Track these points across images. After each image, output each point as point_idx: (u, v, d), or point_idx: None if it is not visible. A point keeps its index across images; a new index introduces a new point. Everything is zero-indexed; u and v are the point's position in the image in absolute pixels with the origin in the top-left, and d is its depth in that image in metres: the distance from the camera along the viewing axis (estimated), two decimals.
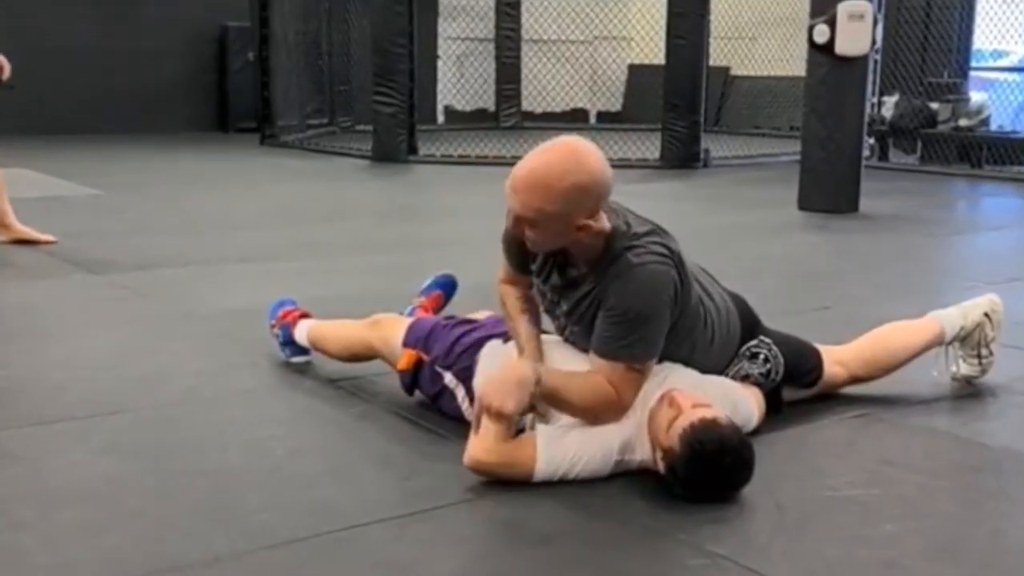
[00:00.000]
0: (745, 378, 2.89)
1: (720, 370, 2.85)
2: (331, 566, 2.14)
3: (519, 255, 2.78)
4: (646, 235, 2.60)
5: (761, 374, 2.91)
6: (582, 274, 2.64)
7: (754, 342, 2.91)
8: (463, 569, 2.17)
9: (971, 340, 3.27)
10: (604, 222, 2.56)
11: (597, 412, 2.56)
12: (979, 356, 3.28)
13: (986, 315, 3.28)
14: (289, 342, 3.46)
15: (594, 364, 2.59)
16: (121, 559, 2.14)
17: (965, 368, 3.29)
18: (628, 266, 2.54)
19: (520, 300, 2.84)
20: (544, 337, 2.82)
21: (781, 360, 2.93)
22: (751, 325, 2.94)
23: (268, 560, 2.15)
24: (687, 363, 2.75)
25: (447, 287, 3.72)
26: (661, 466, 2.47)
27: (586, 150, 2.52)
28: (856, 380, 3.17)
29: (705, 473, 2.41)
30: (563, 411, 2.58)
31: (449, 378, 2.91)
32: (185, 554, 2.16)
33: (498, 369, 2.64)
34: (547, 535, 2.29)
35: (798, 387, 3.04)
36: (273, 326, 3.53)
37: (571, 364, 2.67)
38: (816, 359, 3.06)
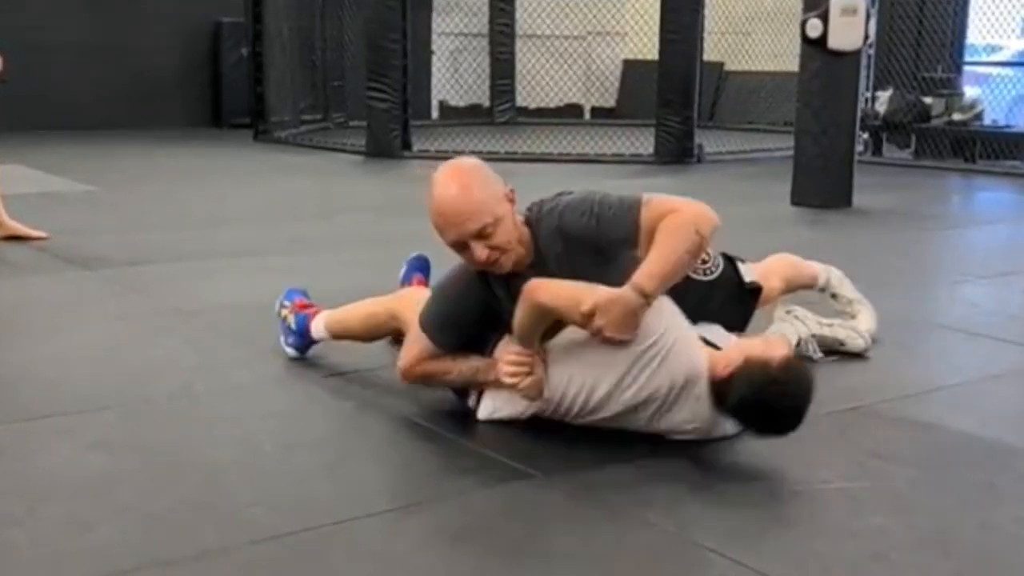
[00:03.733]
0: None
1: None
2: (321, 560, 2.14)
3: (474, 321, 2.83)
4: (540, 202, 2.82)
5: (701, 261, 3.07)
6: (534, 267, 2.73)
7: None
8: (454, 563, 2.17)
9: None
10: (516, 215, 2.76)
11: (699, 223, 2.62)
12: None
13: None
14: (301, 332, 3.41)
15: (653, 216, 2.63)
16: (110, 553, 2.14)
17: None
18: (557, 220, 2.73)
19: (447, 357, 2.85)
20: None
21: (719, 258, 3.14)
22: None
23: (257, 554, 2.15)
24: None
25: (424, 269, 3.75)
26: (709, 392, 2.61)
27: (457, 160, 2.79)
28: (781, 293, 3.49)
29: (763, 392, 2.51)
30: (689, 261, 2.64)
31: None
32: (174, 548, 2.16)
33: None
34: (539, 527, 2.30)
35: (743, 297, 3.16)
36: (286, 310, 3.48)
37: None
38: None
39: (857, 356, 3.51)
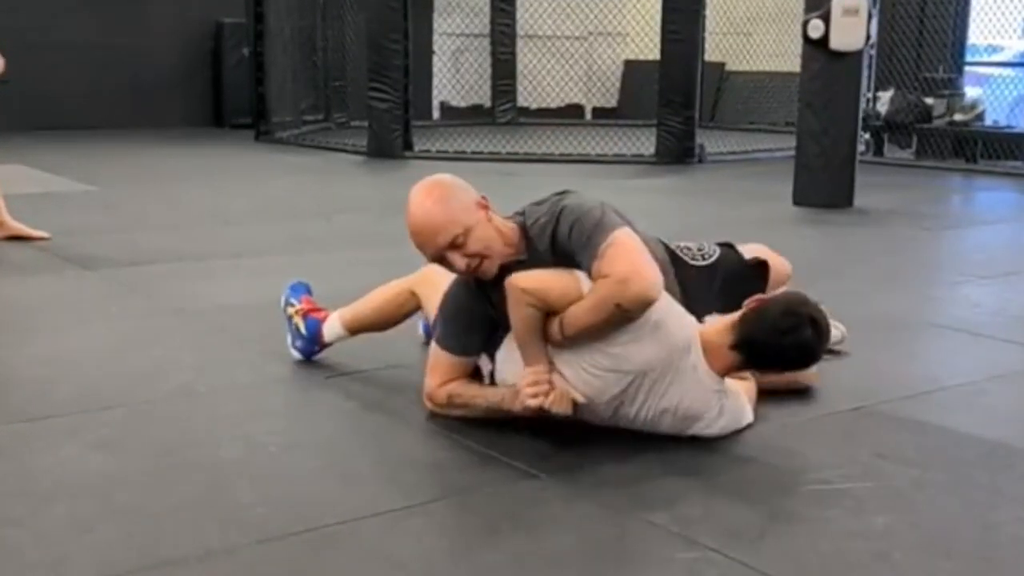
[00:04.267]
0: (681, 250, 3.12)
1: None
2: (325, 560, 2.14)
3: (483, 323, 2.85)
4: (538, 204, 2.86)
5: (698, 249, 3.14)
6: (523, 264, 2.77)
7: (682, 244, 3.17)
8: (457, 563, 2.17)
9: None
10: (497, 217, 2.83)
11: (620, 298, 2.59)
12: None
13: None
14: (311, 338, 3.39)
15: (596, 272, 2.64)
16: (113, 554, 2.14)
17: None
18: (555, 217, 2.75)
19: (471, 382, 2.89)
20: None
21: (714, 246, 3.15)
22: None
23: (261, 554, 2.15)
24: None
25: None
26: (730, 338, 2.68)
27: (427, 178, 2.83)
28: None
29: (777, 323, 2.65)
30: (600, 328, 2.63)
31: None
32: (178, 549, 2.16)
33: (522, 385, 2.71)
34: (540, 528, 2.30)
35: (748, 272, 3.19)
36: (293, 310, 3.45)
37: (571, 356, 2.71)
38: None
39: (858, 356, 3.51)
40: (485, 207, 2.79)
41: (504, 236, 2.79)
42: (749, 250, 3.35)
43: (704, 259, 3.15)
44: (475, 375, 2.93)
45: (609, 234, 2.67)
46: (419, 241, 2.76)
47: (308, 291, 3.55)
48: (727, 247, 3.25)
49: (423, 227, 2.73)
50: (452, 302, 2.91)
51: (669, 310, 2.73)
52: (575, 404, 2.70)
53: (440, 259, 2.77)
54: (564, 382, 2.70)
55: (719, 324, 2.76)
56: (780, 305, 2.71)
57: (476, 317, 2.85)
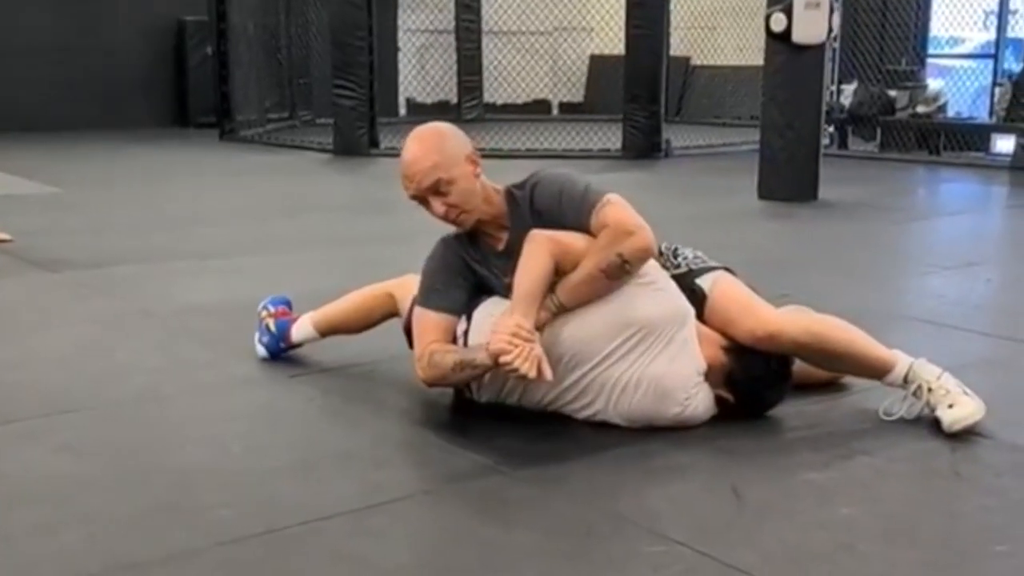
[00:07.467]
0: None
1: None
2: (287, 561, 2.13)
3: (460, 281, 2.90)
4: (532, 174, 2.95)
5: (682, 257, 3.03)
6: (510, 234, 2.86)
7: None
8: (419, 561, 2.16)
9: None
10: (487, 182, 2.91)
11: (622, 247, 2.71)
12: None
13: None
14: (278, 336, 3.40)
15: (599, 224, 2.76)
16: (76, 558, 2.12)
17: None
18: (531, 186, 2.88)
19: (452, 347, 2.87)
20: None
21: (707, 263, 3.05)
22: None
23: (224, 556, 2.14)
24: None
25: None
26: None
27: (425, 124, 2.95)
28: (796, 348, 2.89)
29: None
30: (597, 280, 2.73)
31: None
32: (141, 552, 2.15)
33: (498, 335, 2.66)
34: (505, 524, 2.30)
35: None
36: (268, 314, 3.45)
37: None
38: None
39: None
40: (475, 163, 2.86)
41: (487, 195, 2.88)
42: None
43: (673, 268, 2.97)
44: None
45: (603, 195, 2.80)
46: (403, 181, 2.84)
47: (288, 305, 3.52)
48: (723, 270, 3.04)
49: (410, 167, 2.82)
50: (431, 260, 2.96)
51: (668, 282, 2.85)
52: (540, 374, 2.61)
53: (421, 200, 2.85)
54: (543, 355, 2.65)
55: (720, 327, 2.87)
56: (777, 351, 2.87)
57: (454, 274, 2.91)
